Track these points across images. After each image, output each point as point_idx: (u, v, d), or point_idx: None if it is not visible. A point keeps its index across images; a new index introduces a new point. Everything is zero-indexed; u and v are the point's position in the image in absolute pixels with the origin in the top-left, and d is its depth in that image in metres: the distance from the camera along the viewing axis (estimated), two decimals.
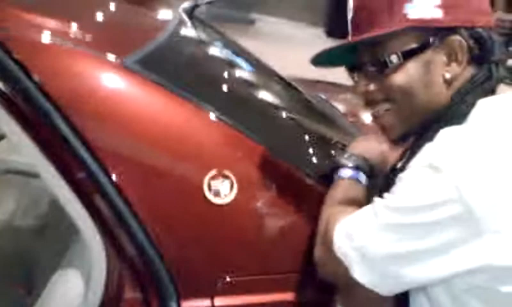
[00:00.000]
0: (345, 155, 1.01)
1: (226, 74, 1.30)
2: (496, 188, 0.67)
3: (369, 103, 0.86)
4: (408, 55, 0.78)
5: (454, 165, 0.67)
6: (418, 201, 0.70)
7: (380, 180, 0.94)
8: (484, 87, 0.79)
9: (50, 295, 0.94)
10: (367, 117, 1.89)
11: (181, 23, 1.34)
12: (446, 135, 0.73)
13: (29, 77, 0.83)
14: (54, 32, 0.90)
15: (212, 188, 0.88)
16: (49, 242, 1.53)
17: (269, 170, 0.95)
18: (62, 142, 0.84)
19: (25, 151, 0.85)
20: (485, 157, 0.69)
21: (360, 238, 0.76)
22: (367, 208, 0.80)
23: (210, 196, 0.88)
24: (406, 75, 0.78)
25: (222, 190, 0.89)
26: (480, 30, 0.78)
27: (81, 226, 0.86)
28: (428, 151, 0.74)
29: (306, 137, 1.26)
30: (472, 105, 0.77)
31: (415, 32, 0.78)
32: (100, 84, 0.89)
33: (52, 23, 0.92)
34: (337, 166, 0.99)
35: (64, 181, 0.85)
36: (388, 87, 0.80)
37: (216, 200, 0.88)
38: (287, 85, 1.69)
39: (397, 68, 0.79)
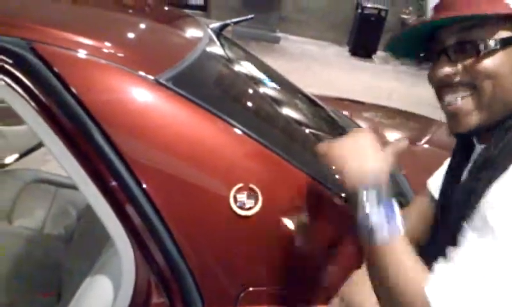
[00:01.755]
0: (367, 208, 0.76)
1: (252, 91, 1.33)
2: None
3: (450, 86, 0.83)
4: (504, 43, 0.78)
5: None
6: None
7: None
8: None
9: (81, 301, 0.97)
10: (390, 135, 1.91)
11: (210, 42, 1.39)
12: None
13: (68, 89, 0.87)
14: (92, 49, 0.94)
15: (238, 200, 0.91)
16: (77, 250, 1.57)
17: (293, 184, 0.98)
18: (97, 152, 0.88)
19: (61, 161, 0.89)
20: None
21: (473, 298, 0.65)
22: (463, 256, 0.69)
23: (235, 208, 0.91)
24: (499, 62, 0.78)
25: (247, 203, 0.92)
26: None
27: (113, 234, 0.90)
28: None
29: None
30: None
31: (510, 22, 0.78)
32: (134, 99, 0.93)
33: (90, 40, 0.96)
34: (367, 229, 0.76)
35: (98, 190, 0.89)
36: (478, 71, 0.79)
37: (241, 212, 0.91)
38: (311, 102, 1.72)
39: (491, 53, 0.78)
